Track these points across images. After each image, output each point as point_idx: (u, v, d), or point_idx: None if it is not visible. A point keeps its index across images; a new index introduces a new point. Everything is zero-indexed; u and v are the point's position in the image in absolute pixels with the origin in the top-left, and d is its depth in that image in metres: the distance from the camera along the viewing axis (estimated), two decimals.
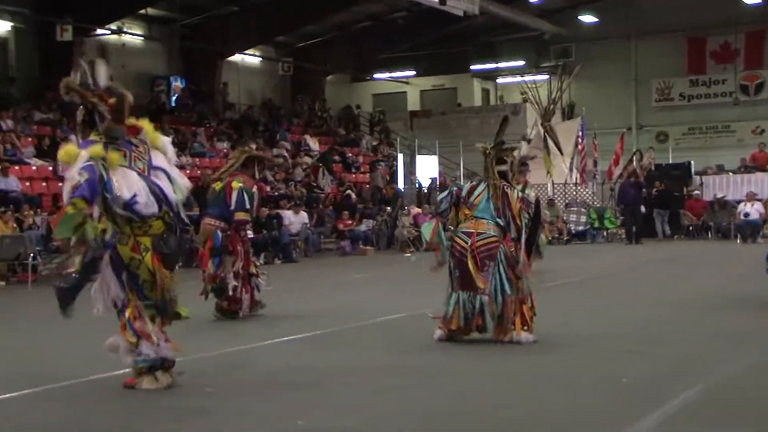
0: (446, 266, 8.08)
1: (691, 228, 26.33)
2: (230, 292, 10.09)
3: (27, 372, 7.25)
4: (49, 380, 6.73)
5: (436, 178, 30.50)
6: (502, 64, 38.36)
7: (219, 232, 10.02)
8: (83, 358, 7.85)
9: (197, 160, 25.69)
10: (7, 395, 6.29)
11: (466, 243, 7.89)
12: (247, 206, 10.06)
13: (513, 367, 7.00)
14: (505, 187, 8.09)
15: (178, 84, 30.39)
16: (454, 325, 7.88)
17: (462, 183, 24.94)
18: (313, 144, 30.82)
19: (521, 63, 37.43)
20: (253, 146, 11.03)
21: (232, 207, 10.01)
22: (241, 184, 10.08)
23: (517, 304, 7.84)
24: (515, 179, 9.08)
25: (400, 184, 29.36)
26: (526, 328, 7.85)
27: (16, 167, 20.44)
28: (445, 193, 8.48)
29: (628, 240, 24.49)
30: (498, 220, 7.94)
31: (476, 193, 8.16)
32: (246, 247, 10.36)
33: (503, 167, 8.23)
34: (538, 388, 6.29)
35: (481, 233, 7.89)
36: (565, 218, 26.16)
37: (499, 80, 40.06)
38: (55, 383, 6.64)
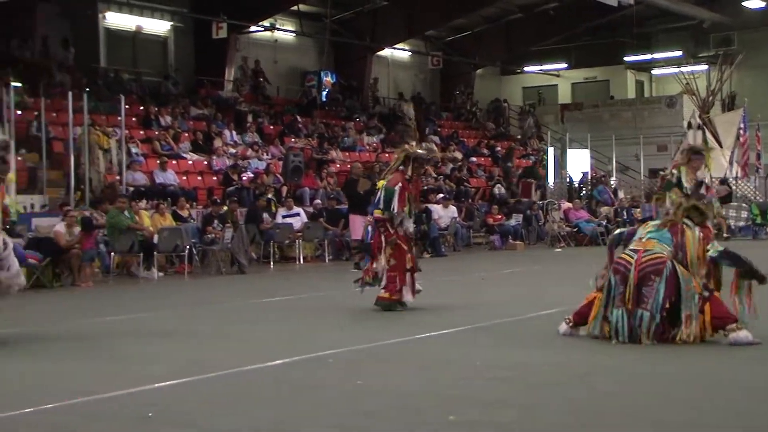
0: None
1: None
2: (380, 284, 10.29)
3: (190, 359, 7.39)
4: (208, 369, 6.81)
5: (587, 172, 29.87)
6: (658, 55, 37.19)
7: (369, 228, 10.43)
8: (240, 348, 7.95)
9: (347, 154, 25.92)
10: (173, 382, 6.38)
11: (632, 259, 7.69)
12: (381, 205, 10.26)
13: (667, 369, 6.71)
14: (686, 226, 7.87)
15: (328, 79, 30.83)
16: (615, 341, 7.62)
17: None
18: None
19: (678, 53, 36.12)
20: (413, 144, 10.97)
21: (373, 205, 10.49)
22: (384, 182, 10.41)
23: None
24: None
25: (551, 178, 28.85)
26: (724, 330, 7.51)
27: (173, 161, 21.09)
28: (617, 232, 8.43)
29: None
30: (668, 243, 7.69)
31: (647, 227, 8.10)
32: (395, 244, 10.34)
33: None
34: (692, 389, 6.00)
35: (648, 250, 7.71)
36: (724, 213, 25.09)
37: (654, 71, 38.88)
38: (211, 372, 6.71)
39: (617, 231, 8.32)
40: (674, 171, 11.05)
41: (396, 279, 10.24)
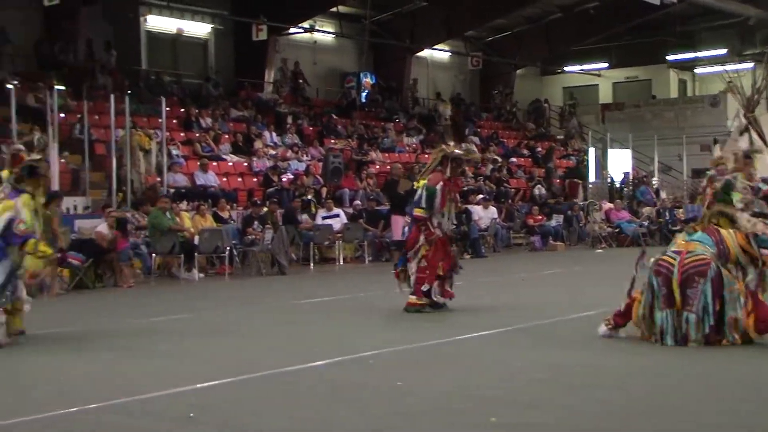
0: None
1: None
2: (409, 287, 10.29)
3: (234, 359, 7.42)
4: (250, 370, 6.84)
5: (628, 172, 29.59)
6: (702, 54, 36.69)
7: (406, 228, 10.28)
8: (281, 348, 7.97)
9: (386, 155, 25.90)
10: (214, 383, 6.40)
11: (674, 260, 7.63)
12: (423, 204, 10.20)
13: (705, 371, 6.67)
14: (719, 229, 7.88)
15: (368, 80, 30.82)
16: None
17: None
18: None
19: (722, 51, 35.57)
20: (451, 144, 10.92)
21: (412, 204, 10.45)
22: (425, 181, 10.34)
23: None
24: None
25: (591, 179, 28.63)
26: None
27: (214, 163, 21.20)
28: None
29: None
30: (711, 245, 7.63)
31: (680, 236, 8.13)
32: (434, 243, 10.27)
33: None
34: (733, 391, 5.94)
35: (691, 251, 7.65)
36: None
37: (698, 70, 38.39)
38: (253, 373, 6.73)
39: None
40: (734, 176, 11.00)
41: (425, 281, 10.20)
